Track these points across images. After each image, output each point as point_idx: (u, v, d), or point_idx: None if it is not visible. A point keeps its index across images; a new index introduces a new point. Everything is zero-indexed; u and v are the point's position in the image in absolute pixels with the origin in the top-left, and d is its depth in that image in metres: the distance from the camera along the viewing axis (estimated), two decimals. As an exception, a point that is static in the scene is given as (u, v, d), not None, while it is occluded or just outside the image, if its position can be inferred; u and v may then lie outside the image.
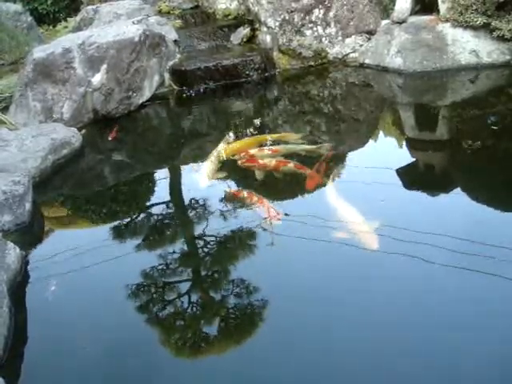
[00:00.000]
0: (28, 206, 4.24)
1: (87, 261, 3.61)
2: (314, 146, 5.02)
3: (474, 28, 7.03)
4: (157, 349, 2.82)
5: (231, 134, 5.49)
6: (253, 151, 4.85)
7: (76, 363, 2.77)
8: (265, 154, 4.81)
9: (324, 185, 4.34)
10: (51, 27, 10.28)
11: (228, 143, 5.15)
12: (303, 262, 3.40)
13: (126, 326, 3.04)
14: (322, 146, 4.99)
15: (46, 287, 3.42)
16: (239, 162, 4.69)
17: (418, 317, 2.82)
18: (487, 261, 3.12)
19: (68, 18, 9.87)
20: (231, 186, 4.55)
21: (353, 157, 5.14)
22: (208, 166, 4.79)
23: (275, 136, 5.33)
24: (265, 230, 3.75)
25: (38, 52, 6.41)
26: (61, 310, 3.22)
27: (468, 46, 7.07)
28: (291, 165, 4.56)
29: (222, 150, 4.94)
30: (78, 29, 8.10)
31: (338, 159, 5.01)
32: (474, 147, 4.90)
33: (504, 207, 3.87)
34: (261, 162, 4.64)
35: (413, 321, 2.80)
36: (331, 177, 4.45)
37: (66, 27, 9.27)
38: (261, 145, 5.09)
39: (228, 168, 4.77)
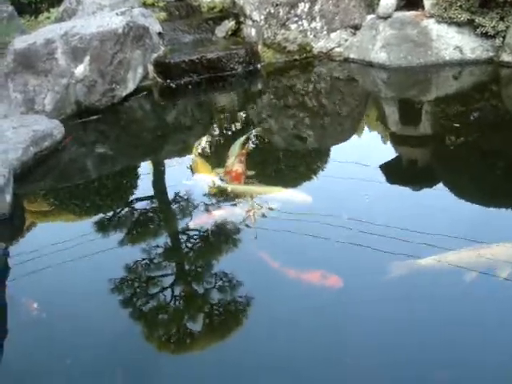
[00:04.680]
0: (8, 197, 4.16)
1: (69, 255, 3.57)
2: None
3: (459, 24, 7.06)
4: (141, 343, 2.81)
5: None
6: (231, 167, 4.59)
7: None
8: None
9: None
10: (33, 18, 10.09)
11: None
12: (286, 255, 3.41)
13: (111, 321, 3.02)
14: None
15: (27, 281, 3.38)
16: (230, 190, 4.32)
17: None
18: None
19: (51, 9, 9.67)
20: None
21: (337, 151, 5.16)
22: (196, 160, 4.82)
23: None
24: (248, 226, 3.74)
25: (19, 42, 6.31)
26: (43, 305, 3.19)
27: (452, 42, 7.11)
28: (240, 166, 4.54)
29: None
30: (60, 20, 7.98)
31: (322, 154, 5.02)
32: (457, 143, 4.94)
33: (486, 202, 3.92)
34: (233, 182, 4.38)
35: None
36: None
37: (48, 18, 9.12)
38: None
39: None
